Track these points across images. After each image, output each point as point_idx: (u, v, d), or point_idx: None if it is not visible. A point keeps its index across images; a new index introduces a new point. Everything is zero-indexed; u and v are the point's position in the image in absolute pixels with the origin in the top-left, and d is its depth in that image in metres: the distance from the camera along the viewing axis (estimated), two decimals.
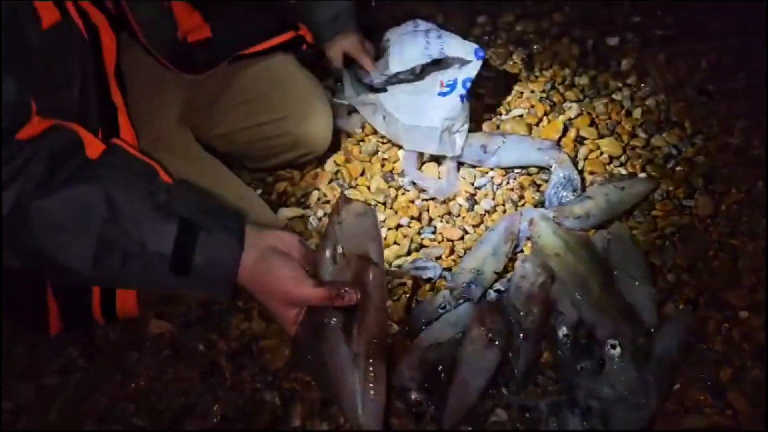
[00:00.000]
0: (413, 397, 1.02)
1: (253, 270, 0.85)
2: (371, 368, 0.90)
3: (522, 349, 1.06)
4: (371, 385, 0.90)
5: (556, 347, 1.07)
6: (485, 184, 1.32)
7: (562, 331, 1.07)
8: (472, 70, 1.29)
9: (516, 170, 1.34)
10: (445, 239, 1.25)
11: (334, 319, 0.90)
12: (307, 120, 1.28)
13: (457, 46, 1.32)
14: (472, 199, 1.30)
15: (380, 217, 1.28)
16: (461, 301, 1.13)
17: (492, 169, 1.34)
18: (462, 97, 1.28)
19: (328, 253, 0.92)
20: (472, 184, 1.32)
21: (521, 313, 1.09)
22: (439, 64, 1.33)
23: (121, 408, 1.09)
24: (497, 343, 1.06)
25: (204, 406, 1.09)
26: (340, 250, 0.92)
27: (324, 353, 0.90)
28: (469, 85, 1.28)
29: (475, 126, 1.39)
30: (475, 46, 1.30)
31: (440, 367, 1.05)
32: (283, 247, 0.88)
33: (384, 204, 1.30)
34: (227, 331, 1.16)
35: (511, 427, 1.01)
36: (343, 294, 0.86)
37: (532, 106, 1.45)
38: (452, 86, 1.29)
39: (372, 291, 0.91)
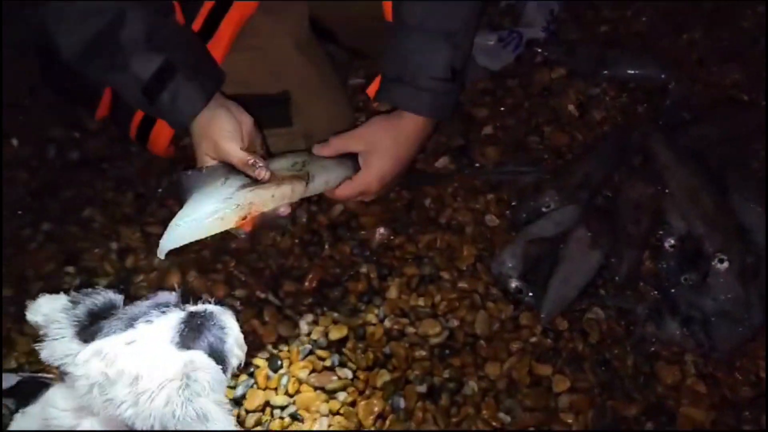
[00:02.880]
0: (513, 284, 1.06)
1: (201, 118, 0.96)
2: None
3: (625, 254, 1.08)
4: None
5: (661, 257, 1.08)
6: (597, 95, 1.30)
7: (669, 242, 1.08)
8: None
9: (631, 84, 1.32)
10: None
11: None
12: None
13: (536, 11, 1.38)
14: (582, 107, 1.29)
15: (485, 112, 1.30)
16: (565, 203, 1.14)
17: (606, 81, 1.32)
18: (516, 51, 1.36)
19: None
20: (584, 94, 1.30)
21: (628, 220, 1.10)
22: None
23: (222, 260, 1.15)
24: (601, 245, 1.07)
25: (301, 270, 1.15)
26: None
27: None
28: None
29: (590, 35, 1.37)
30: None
31: (541, 261, 1.08)
32: (237, 116, 0.97)
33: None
34: (328, 207, 1.20)
35: (606, 326, 1.04)
36: (257, 166, 0.92)
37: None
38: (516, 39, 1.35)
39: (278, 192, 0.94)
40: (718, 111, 1.25)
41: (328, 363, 1.06)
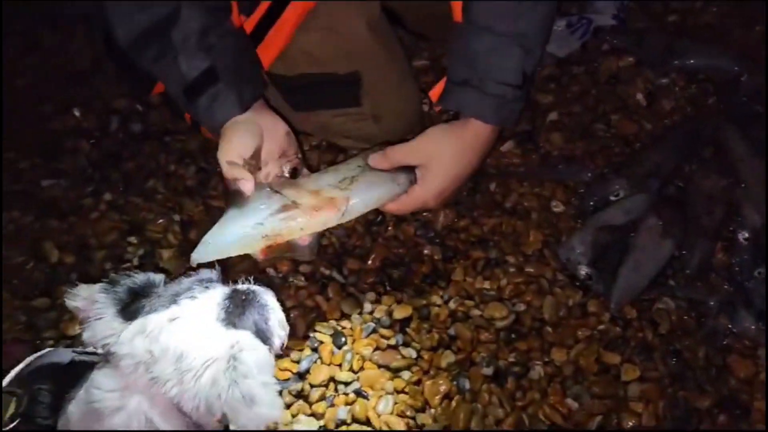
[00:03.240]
0: (583, 271, 1.05)
1: (229, 122, 0.97)
2: None
3: (697, 245, 1.06)
4: None
5: (734, 250, 1.06)
6: (666, 84, 1.28)
7: (742, 235, 1.06)
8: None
9: (700, 75, 1.30)
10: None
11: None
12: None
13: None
14: (651, 97, 1.27)
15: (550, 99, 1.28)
16: (634, 192, 1.12)
17: (675, 72, 1.29)
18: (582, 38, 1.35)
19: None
20: (653, 83, 1.28)
21: (700, 211, 1.08)
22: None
23: None
24: (673, 235, 1.06)
25: (364, 249, 1.15)
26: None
27: None
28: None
29: (658, 24, 1.35)
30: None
31: (610, 249, 1.07)
32: (270, 127, 0.97)
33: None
34: None
35: (676, 317, 1.02)
36: (234, 183, 0.91)
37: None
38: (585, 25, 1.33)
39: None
40: None
41: (392, 342, 1.05)
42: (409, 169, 0.99)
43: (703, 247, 1.06)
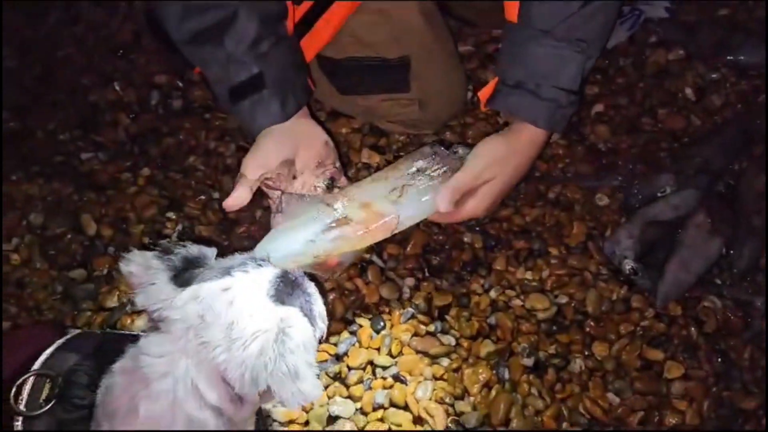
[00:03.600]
0: (629, 266, 1.04)
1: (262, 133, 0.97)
2: None
3: (746, 244, 1.04)
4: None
5: None
6: (717, 79, 1.25)
7: None
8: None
9: (752, 72, 1.27)
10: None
11: None
12: None
13: None
14: (700, 92, 1.25)
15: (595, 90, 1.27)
16: (681, 188, 1.10)
17: (726, 67, 1.27)
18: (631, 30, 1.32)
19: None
20: (703, 78, 1.26)
21: (751, 210, 1.06)
22: None
23: None
24: (722, 233, 1.04)
25: (404, 234, 1.13)
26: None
27: None
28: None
29: (709, 18, 1.32)
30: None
31: (657, 245, 1.05)
32: (301, 138, 0.96)
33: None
34: None
35: (722, 316, 1.01)
36: (228, 204, 0.91)
37: None
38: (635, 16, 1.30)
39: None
40: None
41: (430, 328, 1.05)
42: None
43: (752, 246, 1.04)
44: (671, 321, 1.02)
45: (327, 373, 1.03)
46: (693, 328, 1.01)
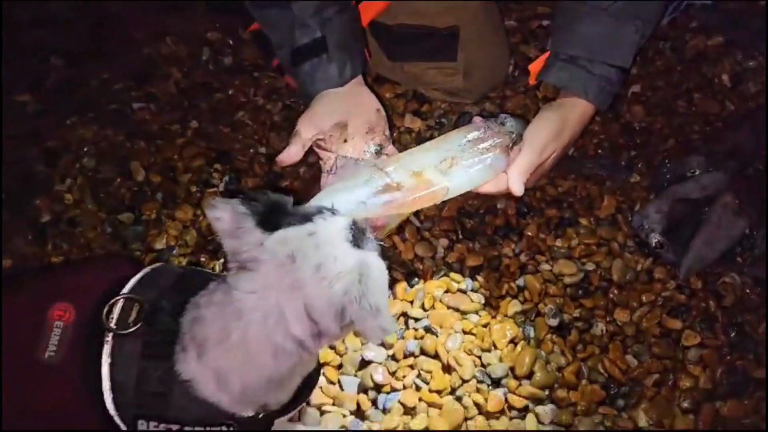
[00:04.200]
0: (655, 239, 1.09)
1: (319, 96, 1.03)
2: None
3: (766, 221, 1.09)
4: None
5: None
6: (754, 67, 1.29)
7: None
8: None
9: None
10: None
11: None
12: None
13: None
14: (737, 78, 1.29)
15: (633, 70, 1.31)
16: (711, 169, 1.15)
17: (763, 55, 1.30)
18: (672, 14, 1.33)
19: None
20: (740, 65, 1.30)
21: None
22: None
23: None
24: (747, 214, 1.09)
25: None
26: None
27: None
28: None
29: (750, 6, 1.35)
30: None
31: (684, 221, 1.11)
32: (355, 105, 1.02)
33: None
34: None
35: (741, 292, 1.07)
36: (281, 159, 0.99)
37: None
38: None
39: None
40: None
41: (462, 286, 1.12)
42: (504, 151, 0.97)
43: None
44: (692, 293, 1.09)
45: None
46: (712, 301, 1.07)
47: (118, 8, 1.56)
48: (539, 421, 1.00)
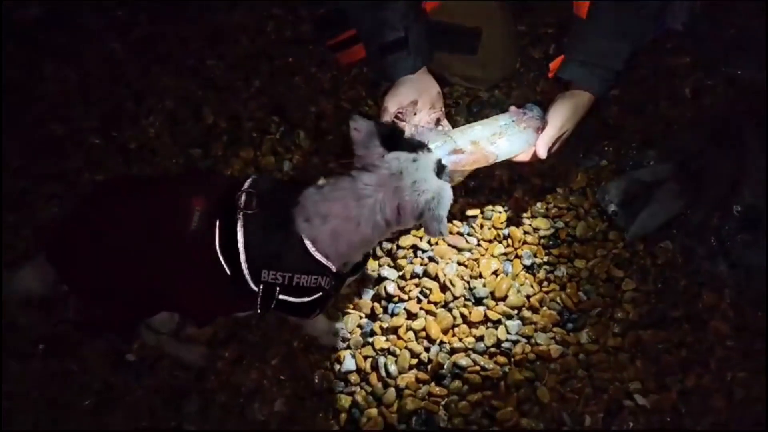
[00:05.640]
0: (612, 209, 1.44)
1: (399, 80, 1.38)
2: None
3: (701, 208, 1.43)
4: None
5: (727, 218, 1.42)
6: (712, 85, 1.61)
7: (737, 208, 1.42)
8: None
9: (741, 83, 1.63)
10: None
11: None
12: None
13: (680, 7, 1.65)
14: (697, 92, 1.61)
15: None
16: (663, 161, 1.48)
17: (721, 76, 1.63)
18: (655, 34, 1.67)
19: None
20: (701, 82, 1.62)
21: (711, 184, 1.44)
22: None
23: None
24: (685, 197, 1.43)
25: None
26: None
27: None
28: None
29: (718, 34, 1.67)
30: None
31: (636, 197, 1.45)
32: (426, 87, 1.35)
33: None
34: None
35: (671, 255, 1.41)
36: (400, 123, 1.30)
37: None
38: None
39: None
40: None
41: (460, 230, 1.47)
42: (537, 131, 1.33)
43: (704, 210, 1.43)
44: (634, 252, 1.43)
45: (381, 249, 1.45)
46: (648, 260, 1.42)
47: None
48: (508, 332, 1.35)
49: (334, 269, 1.07)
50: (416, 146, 1.07)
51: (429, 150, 1.09)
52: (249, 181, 1.10)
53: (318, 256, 1.05)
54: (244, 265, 1.04)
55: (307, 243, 1.04)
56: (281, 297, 1.07)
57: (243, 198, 1.05)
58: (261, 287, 1.06)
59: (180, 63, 1.74)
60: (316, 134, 1.60)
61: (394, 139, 1.07)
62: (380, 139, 1.06)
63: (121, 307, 1.15)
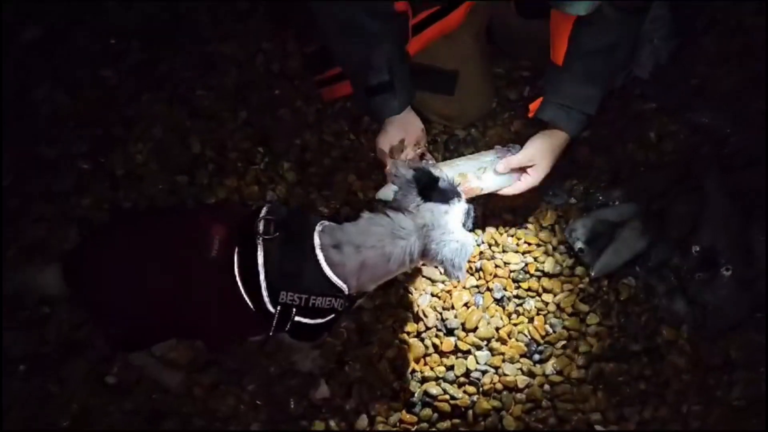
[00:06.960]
0: (578, 246, 1.52)
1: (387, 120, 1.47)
2: None
3: (662, 248, 1.52)
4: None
5: (686, 257, 1.51)
6: (675, 131, 1.71)
7: (695, 248, 1.51)
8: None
9: (703, 129, 1.73)
10: None
11: None
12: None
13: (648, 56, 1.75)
14: (661, 137, 1.70)
15: None
16: (628, 201, 1.58)
17: (685, 122, 1.73)
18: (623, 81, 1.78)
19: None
20: (665, 127, 1.72)
21: (671, 225, 1.53)
22: None
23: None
24: (648, 237, 1.52)
25: None
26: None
27: None
28: None
29: (682, 84, 1.77)
30: None
31: (601, 236, 1.53)
32: (410, 124, 1.45)
33: None
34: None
35: (634, 291, 1.49)
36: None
37: None
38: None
39: None
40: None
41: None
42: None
43: (666, 249, 1.52)
44: (599, 288, 1.52)
45: None
46: (612, 295, 1.50)
47: (193, 6, 1.93)
48: (477, 362, 1.42)
49: (347, 291, 1.16)
50: (449, 196, 1.17)
51: (460, 200, 1.18)
52: (265, 208, 1.19)
53: (334, 279, 1.13)
54: (263, 286, 1.11)
55: (324, 266, 1.13)
56: (297, 318, 1.15)
57: (261, 224, 1.13)
58: (278, 308, 1.13)
59: (170, 91, 1.81)
60: (300, 165, 1.67)
61: (430, 186, 1.17)
62: (417, 186, 1.16)
63: (136, 332, 1.23)
